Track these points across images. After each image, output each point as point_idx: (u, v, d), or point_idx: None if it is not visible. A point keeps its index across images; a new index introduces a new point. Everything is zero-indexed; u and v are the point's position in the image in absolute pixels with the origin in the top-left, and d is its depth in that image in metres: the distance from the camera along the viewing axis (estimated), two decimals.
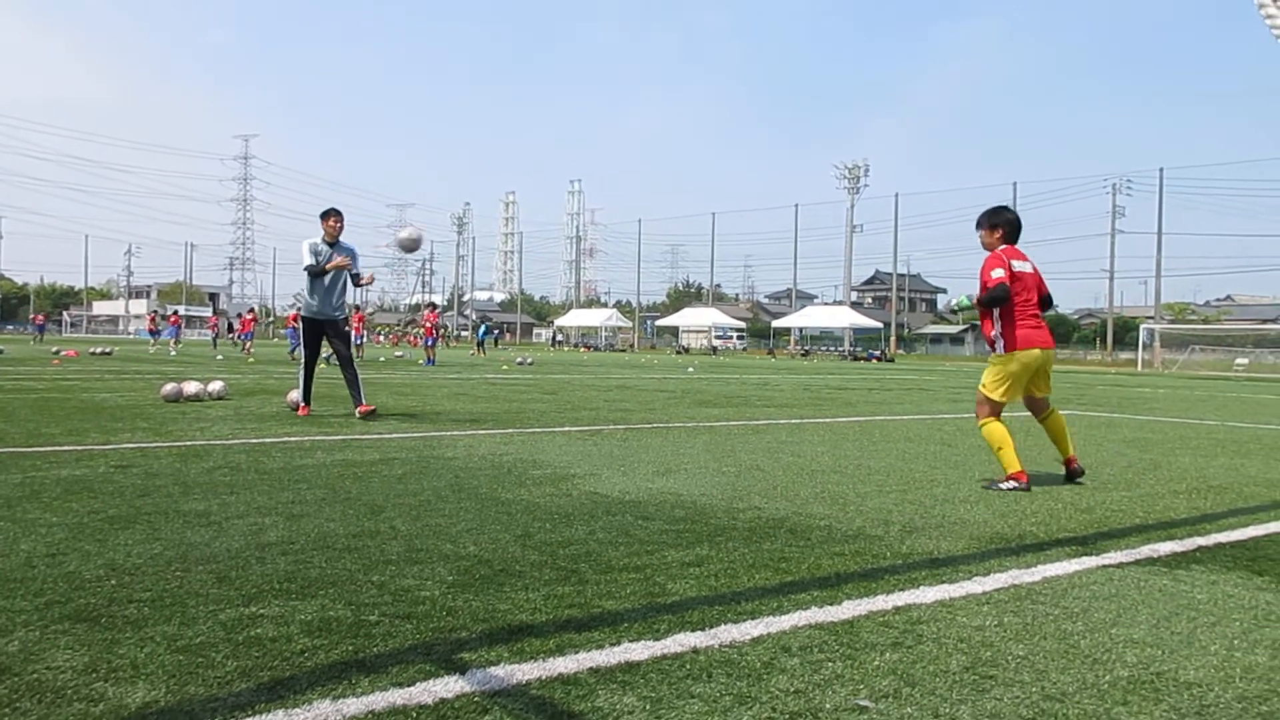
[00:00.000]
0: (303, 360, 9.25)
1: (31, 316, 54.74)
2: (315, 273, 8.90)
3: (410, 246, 9.04)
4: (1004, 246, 5.72)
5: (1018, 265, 5.64)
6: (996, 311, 5.67)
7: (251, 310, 37.45)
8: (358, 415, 8.69)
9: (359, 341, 31.74)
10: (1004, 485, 5.43)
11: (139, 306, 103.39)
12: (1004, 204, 5.89)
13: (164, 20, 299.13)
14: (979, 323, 5.89)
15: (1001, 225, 5.77)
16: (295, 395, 9.64)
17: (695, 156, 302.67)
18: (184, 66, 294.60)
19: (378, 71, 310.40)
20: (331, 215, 9.00)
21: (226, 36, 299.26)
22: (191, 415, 8.77)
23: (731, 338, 78.95)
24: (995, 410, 5.64)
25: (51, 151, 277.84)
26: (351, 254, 9.06)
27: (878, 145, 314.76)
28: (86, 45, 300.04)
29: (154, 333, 41.30)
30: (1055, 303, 5.73)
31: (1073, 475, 5.84)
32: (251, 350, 31.87)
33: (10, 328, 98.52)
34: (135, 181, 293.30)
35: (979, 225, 5.83)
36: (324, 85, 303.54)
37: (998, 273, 5.55)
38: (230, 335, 34.61)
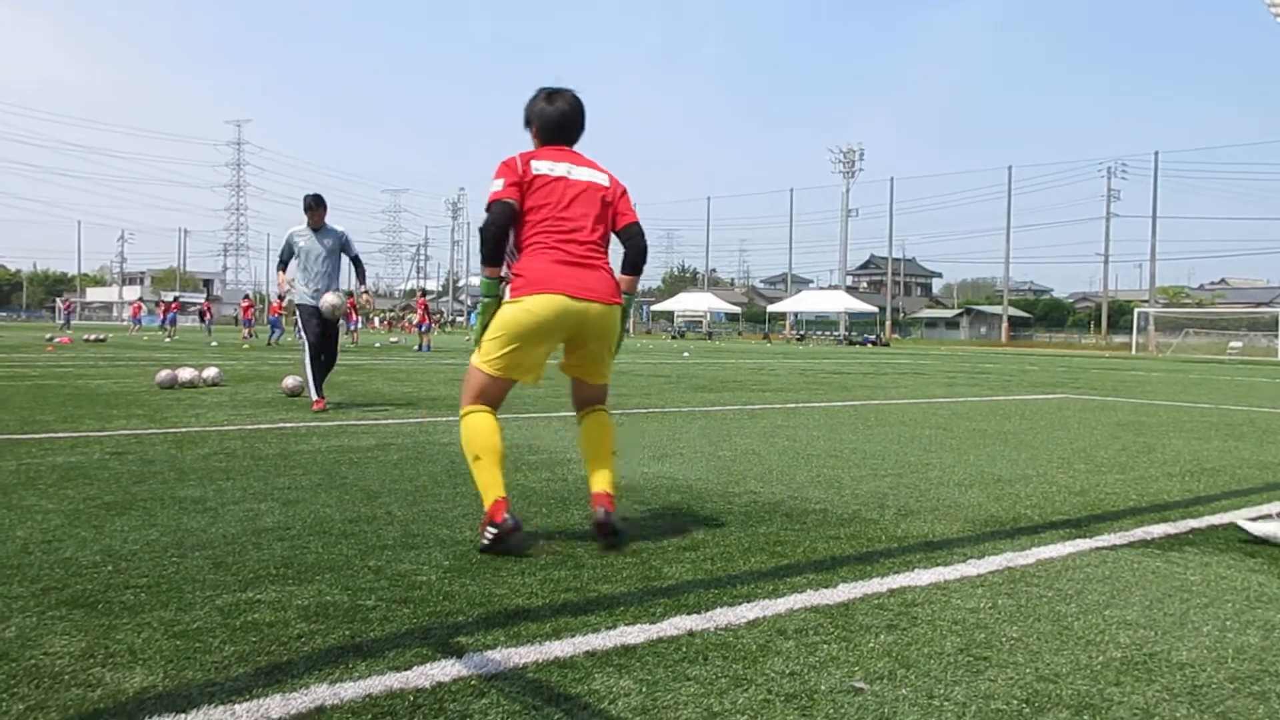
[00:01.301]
0: (306, 350, 8.68)
1: (60, 304, 55.07)
2: (282, 264, 8.78)
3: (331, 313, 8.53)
4: (539, 148, 3.65)
5: (547, 168, 3.52)
6: (512, 238, 3.56)
7: (247, 297, 37.48)
8: (312, 409, 8.32)
9: (353, 327, 31.69)
10: (485, 539, 3.30)
11: (133, 293, 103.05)
12: (559, 86, 3.70)
13: (149, 3, 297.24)
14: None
15: (533, 118, 3.67)
16: (290, 381, 9.62)
17: (689, 141, 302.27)
18: (172, 51, 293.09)
19: (371, 56, 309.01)
20: (311, 207, 8.59)
21: (215, 21, 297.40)
22: (186, 402, 8.76)
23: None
24: (485, 393, 3.49)
25: (42, 137, 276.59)
26: (341, 239, 8.72)
27: (872, 130, 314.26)
28: (71, 28, 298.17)
29: (137, 319, 41.65)
30: (645, 253, 3.75)
31: (600, 529, 3.43)
32: (248, 337, 31.82)
33: (3, 314, 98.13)
34: (127, 167, 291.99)
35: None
36: (316, 70, 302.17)
37: (498, 184, 3.49)
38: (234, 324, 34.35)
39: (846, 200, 74.13)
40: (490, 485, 3.36)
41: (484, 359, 3.48)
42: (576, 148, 3.72)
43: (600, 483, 3.52)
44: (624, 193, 3.73)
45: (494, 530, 3.27)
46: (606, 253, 3.63)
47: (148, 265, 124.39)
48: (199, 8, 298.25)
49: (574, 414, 3.77)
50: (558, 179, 3.52)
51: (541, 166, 3.52)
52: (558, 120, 3.64)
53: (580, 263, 3.48)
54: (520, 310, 3.41)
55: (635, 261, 3.74)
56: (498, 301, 3.51)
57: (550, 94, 3.67)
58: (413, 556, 3.26)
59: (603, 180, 3.65)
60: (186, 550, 3.26)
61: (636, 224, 3.72)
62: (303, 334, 8.76)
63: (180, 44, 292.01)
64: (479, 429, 3.44)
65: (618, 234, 3.71)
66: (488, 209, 3.49)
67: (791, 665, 2.34)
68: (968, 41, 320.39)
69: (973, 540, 3.77)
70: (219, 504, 4.04)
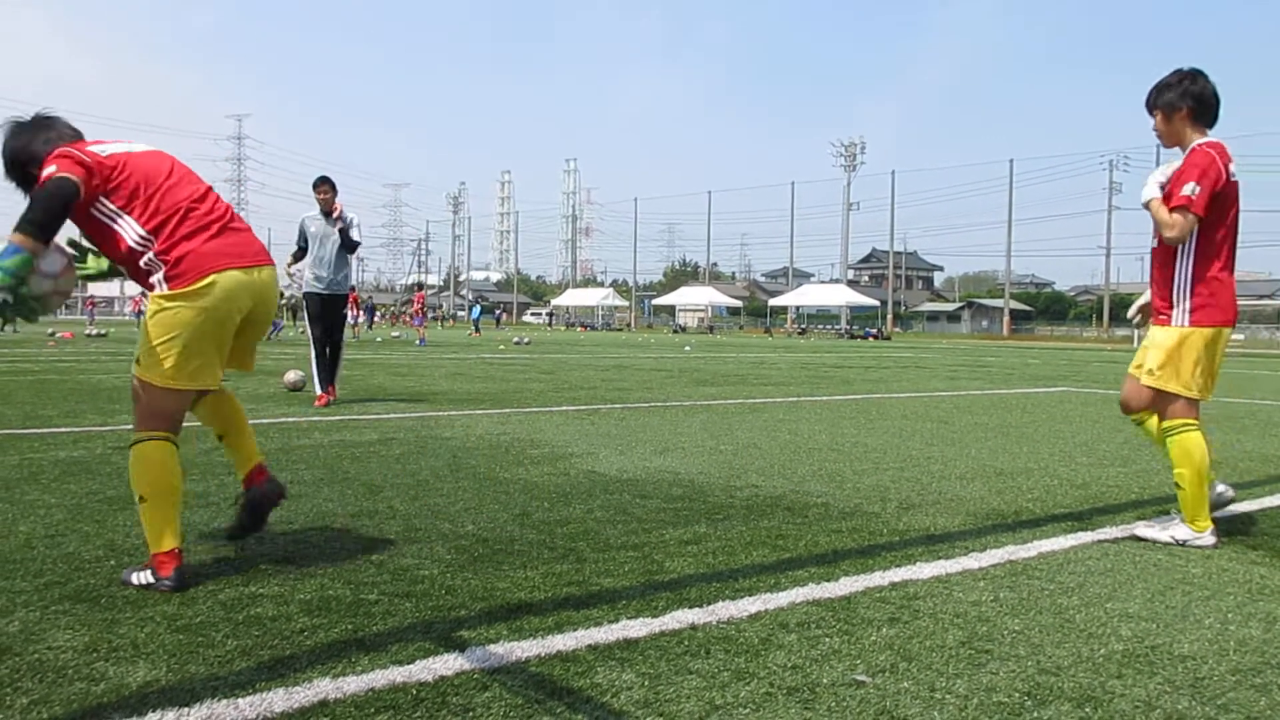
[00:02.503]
0: (311, 341, 8.53)
1: (85, 301, 55.49)
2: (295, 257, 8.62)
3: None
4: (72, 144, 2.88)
5: (112, 149, 2.94)
6: (134, 225, 2.85)
7: None
8: (315, 404, 8.10)
9: (354, 322, 31.72)
10: (136, 577, 2.79)
11: (134, 288, 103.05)
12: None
13: None
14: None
15: (45, 144, 2.93)
16: (291, 376, 9.61)
17: (690, 135, 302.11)
18: (170, 45, 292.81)
19: (371, 51, 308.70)
20: (319, 185, 8.44)
21: (213, 15, 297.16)
22: None
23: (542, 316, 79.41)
24: (164, 412, 2.90)
25: None
26: (348, 222, 8.51)
27: (873, 123, 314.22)
28: (70, 23, 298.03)
29: (139, 314, 42.09)
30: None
31: (252, 505, 3.17)
32: None
33: None
34: None
35: None
36: (316, 65, 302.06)
37: (55, 167, 2.73)
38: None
39: (848, 194, 74.05)
40: (161, 533, 2.79)
41: (160, 371, 2.85)
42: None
43: (251, 454, 3.20)
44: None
45: (152, 579, 2.77)
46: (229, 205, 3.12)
47: None
48: (197, 0, 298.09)
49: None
50: (128, 154, 2.95)
51: (103, 149, 2.89)
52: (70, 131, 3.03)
53: (229, 227, 2.99)
54: (188, 303, 2.83)
55: None
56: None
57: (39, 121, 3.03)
58: (415, 550, 3.27)
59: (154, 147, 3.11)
60: (189, 544, 3.26)
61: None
62: (310, 326, 8.59)
63: (179, 38, 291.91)
64: (154, 462, 2.85)
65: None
66: (44, 187, 2.68)
67: (793, 658, 2.34)
68: (969, 34, 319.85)
69: (974, 533, 3.77)
70: (221, 499, 4.05)
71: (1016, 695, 2.16)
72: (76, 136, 3.04)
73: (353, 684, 2.11)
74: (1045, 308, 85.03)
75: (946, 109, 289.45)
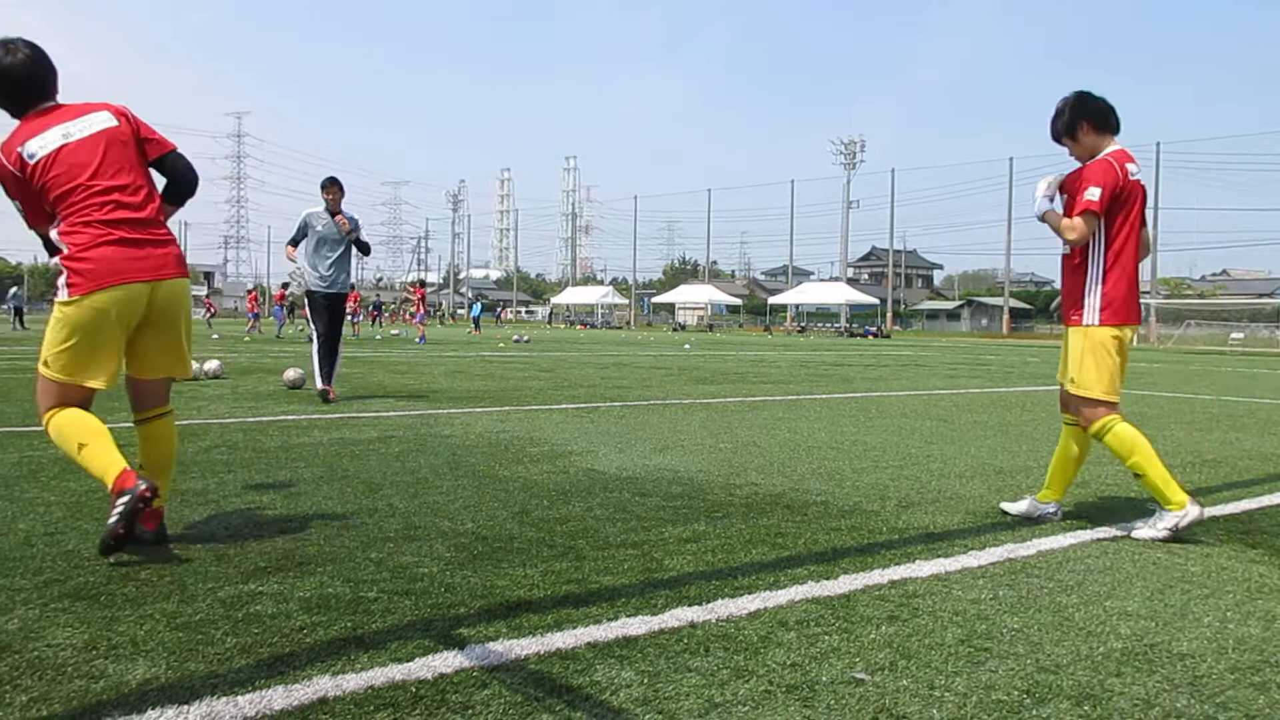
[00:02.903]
0: (315, 339, 8.56)
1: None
2: (293, 242, 8.77)
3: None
4: (22, 121, 3.13)
5: (39, 145, 3.05)
6: (59, 226, 3.10)
7: (251, 291, 37.43)
8: (315, 391, 8.44)
9: (354, 320, 31.72)
10: (116, 520, 2.84)
11: None
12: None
13: None
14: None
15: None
16: (291, 374, 9.60)
17: (690, 133, 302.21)
18: (169, 43, 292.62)
19: (371, 49, 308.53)
20: (328, 186, 8.56)
21: (213, 13, 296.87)
22: (187, 394, 8.76)
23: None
24: (65, 402, 3.11)
25: None
26: (354, 222, 8.66)
27: (872, 122, 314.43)
28: (68, 21, 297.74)
29: None
30: (196, 184, 3.37)
31: (116, 540, 2.89)
32: (254, 329, 31.83)
33: (3, 308, 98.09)
34: None
35: None
36: (316, 64, 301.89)
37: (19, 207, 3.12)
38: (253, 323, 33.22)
39: (848, 192, 74.02)
40: (109, 462, 2.91)
41: (56, 370, 3.08)
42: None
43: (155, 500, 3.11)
44: (137, 118, 3.25)
45: (125, 498, 2.80)
46: (155, 203, 3.20)
47: None
48: None
49: (139, 415, 3.29)
50: (59, 149, 3.04)
51: (35, 147, 3.03)
52: (27, 73, 3.10)
53: (138, 238, 3.08)
54: (86, 310, 3.00)
55: (183, 196, 3.33)
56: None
57: (3, 45, 3.10)
58: (414, 548, 3.27)
59: (109, 120, 3.15)
60: (188, 542, 3.27)
61: (175, 151, 3.27)
62: (312, 323, 8.68)
63: (179, 36, 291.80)
64: (71, 421, 3.04)
65: (157, 167, 3.25)
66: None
67: (793, 656, 2.34)
68: (968, 33, 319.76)
69: (974, 532, 3.77)
70: (220, 496, 4.05)
71: (1015, 693, 2.16)
72: (25, 97, 3.15)
73: (352, 681, 2.11)
74: (1045, 306, 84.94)
75: (946, 107, 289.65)
